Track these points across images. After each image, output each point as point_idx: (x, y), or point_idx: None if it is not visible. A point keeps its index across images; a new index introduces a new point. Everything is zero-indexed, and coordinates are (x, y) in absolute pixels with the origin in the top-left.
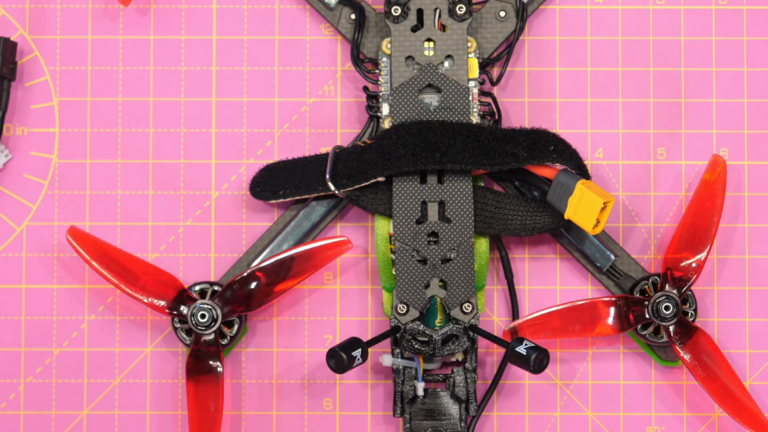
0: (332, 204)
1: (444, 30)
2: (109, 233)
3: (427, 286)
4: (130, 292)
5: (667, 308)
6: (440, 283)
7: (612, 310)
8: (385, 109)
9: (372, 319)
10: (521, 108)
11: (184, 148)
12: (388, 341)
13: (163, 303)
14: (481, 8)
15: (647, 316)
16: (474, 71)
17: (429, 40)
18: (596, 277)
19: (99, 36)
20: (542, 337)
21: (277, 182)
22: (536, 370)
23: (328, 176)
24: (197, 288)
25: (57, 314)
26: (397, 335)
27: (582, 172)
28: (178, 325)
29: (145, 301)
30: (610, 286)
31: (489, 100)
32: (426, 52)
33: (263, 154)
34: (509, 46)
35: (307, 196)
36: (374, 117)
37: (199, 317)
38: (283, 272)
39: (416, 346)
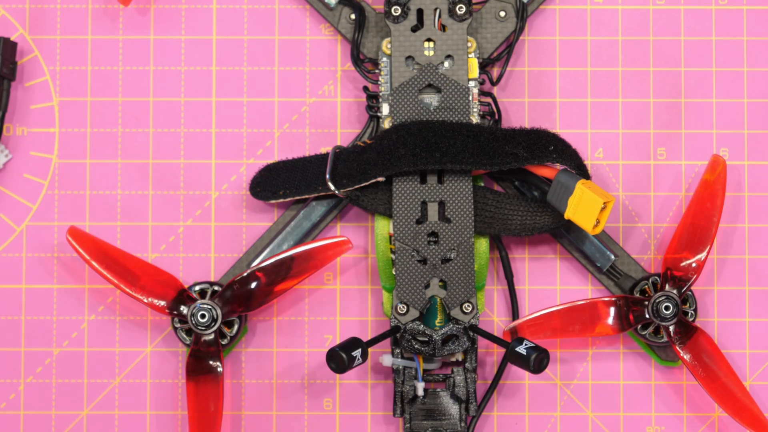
0: (332, 204)
1: (444, 30)
2: (109, 233)
3: (427, 286)
4: (130, 292)
5: (667, 308)
6: (440, 283)
7: (612, 310)
8: (385, 109)
9: (372, 319)
10: (521, 108)
11: (184, 148)
12: (388, 341)
13: (163, 303)
14: (481, 8)
15: (647, 316)
16: (474, 71)
17: (429, 40)
18: (596, 277)
19: (99, 36)
20: (542, 337)
21: (277, 182)
22: (536, 370)
23: (328, 176)
24: (197, 288)
25: (57, 314)
26: (397, 335)
27: (582, 172)
28: (178, 325)
29: (145, 301)
30: (610, 286)
31: (489, 100)
32: (426, 52)
33: (263, 154)
34: (509, 46)
35: (307, 196)
36: (374, 117)
37: (199, 317)
38: (283, 272)
39: (416, 346)
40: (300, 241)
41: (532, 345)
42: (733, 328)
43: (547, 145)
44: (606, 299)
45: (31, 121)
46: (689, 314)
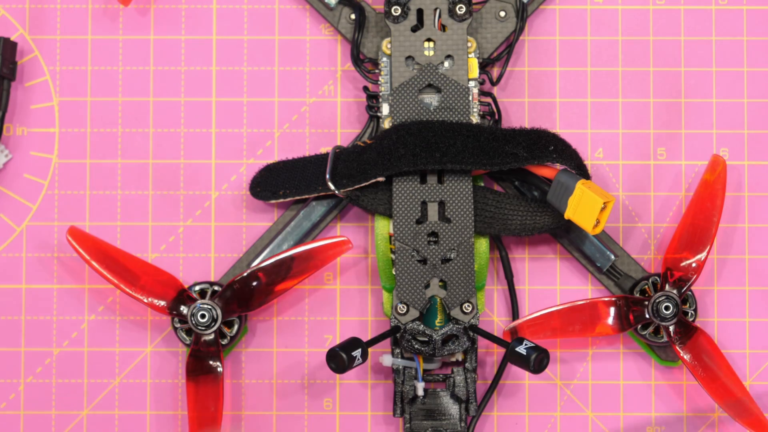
0: (332, 204)
1: (444, 30)
2: (109, 233)
3: (427, 286)
4: (130, 292)
5: (667, 308)
6: (440, 283)
7: (612, 310)
8: (385, 109)
9: (372, 319)
10: (521, 108)
11: (184, 148)
12: (388, 341)
13: (163, 303)
14: (481, 8)
15: (647, 316)
16: (474, 71)
17: (429, 40)
18: (596, 277)
19: (99, 36)
20: (542, 337)
21: (277, 182)
22: (536, 370)
23: (328, 176)
24: (197, 288)
25: (57, 314)
26: (397, 335)
27: (582, 172)
28: (178, 325)
29: (145, 301)
30: (610, 286)
31: (489, 100)
32: (426, 52)
33: (263, 154)
34: (509, 46)
35: (307, 196)
36: (374, 117)
37: (199, 317)
38: (283, 272)
39: (416, 346)
40: (300, 241)
41: (532, 345)
42: (733, 328)
43: (547, 145)
44: (606, 299)
45: (31, 121)
46: (689, 314)
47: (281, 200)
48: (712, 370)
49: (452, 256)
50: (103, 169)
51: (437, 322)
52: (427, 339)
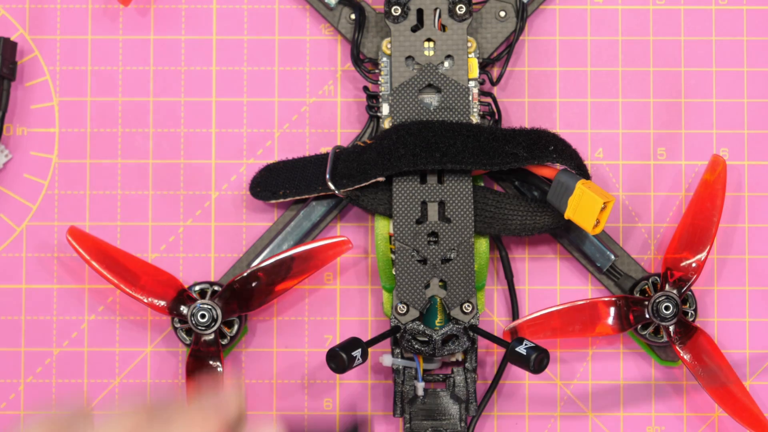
0: (332, 204)
1: (444, 30)
2: (109, 233)
3: (427, 286)
4: (130, 292)
5: (667, 308)
6: (440, 283)
7: (612, 310)
8: (385, 109)
9: (372, 319)
10: (521, 108)
11: (184, 148)
12: (388, 341)
13: (163, 303)
14: (481, 8)
15: (647, 316)
16: (474, 71)
17: (429, 40)
18: (596, 277)
19: (99, 36)
20: (542, 337)
21: (277, 182)
22: (536, 370)
23: (328, 176)
24: (197, 288)
25: (57, 314)
26: (397, 335)
27: (582, 172)
28: (178, 325)
29: (145, 301)
30: (610, 286)
31: (489, 100)
32: (426, 52)
33: (263, 154)
34: (509, 46)
35: (307, 196)
36: (374, 117)
37: (199, 317)
38: (283, 272)
39: (416, 346)
40: (300, 241)
41: (532, 345)
42: (733, 328)
43: (547, 145)
44: (606, 299)
45: (31, 121)
46: (689, 314)
47: (281, 200)
48: (712, 370)
49: (452, 256)
50: (103, 169)
51: (437, 322)
52: (427, 339)
